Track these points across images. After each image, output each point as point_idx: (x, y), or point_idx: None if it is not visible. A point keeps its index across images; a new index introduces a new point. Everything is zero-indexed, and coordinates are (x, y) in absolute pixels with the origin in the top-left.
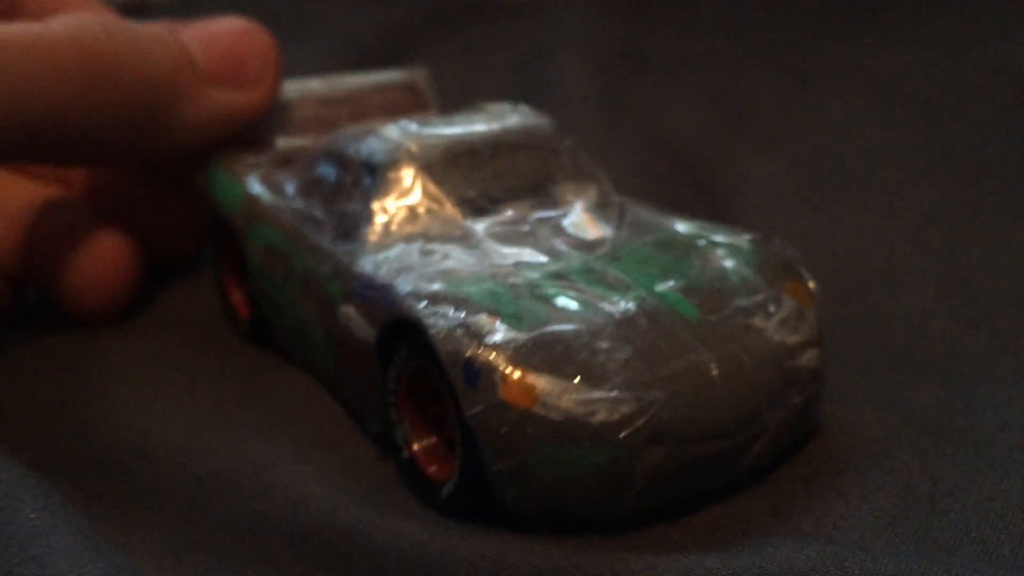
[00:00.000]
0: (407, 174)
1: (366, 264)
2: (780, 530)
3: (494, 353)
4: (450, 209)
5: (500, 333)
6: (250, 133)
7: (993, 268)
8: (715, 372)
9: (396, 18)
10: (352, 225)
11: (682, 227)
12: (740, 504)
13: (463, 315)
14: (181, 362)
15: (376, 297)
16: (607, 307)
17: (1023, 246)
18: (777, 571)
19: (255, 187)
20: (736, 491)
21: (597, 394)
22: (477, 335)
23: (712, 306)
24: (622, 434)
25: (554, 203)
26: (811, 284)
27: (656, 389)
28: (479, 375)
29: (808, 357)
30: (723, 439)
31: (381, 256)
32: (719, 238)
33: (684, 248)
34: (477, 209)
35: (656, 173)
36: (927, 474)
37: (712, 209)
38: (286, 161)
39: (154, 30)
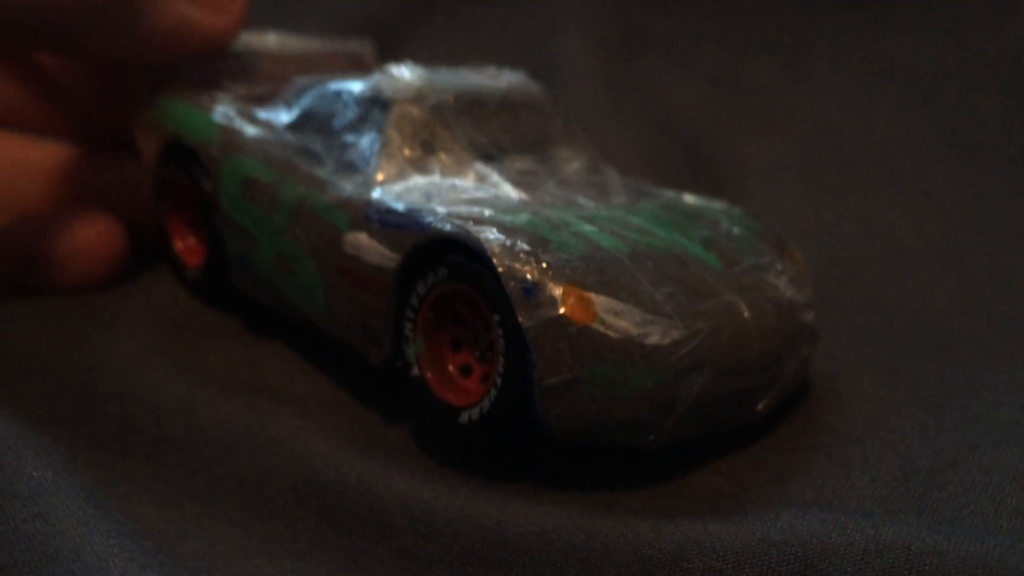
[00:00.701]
0: (421, 111)
1: (382, 194)
2: (782, 498)
3: (552, 270)
4: (461, 151)
5: (552, 254)
6: (202, 72)
7: (992, 250)
8: (747, 314)
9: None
10: (358, 157)
11: (675, 195)
12: (742, 473)
13: (513, 237)
14: (184, 320)
15: (402, 222)
16: (641, 248)
17: (1018, 225)
18: (780, 537)
19: (233, 119)
20: (738, 460)
21: (652, 317)
22: (533, 253)
23: (730, 259)
24: (672, 358)
25: (553, 163)
26: (799, 255)
27: (701, 320)
28: (538, 290)
29: (811, 316)
30: (752, 376)
31: (398, 187)
32: (716, 206)
33: (688, 211)
34: (486, 156)
35: (658, 152)
36: (927, 447)
37: (713, 188)
38: (259, 99)
39: None
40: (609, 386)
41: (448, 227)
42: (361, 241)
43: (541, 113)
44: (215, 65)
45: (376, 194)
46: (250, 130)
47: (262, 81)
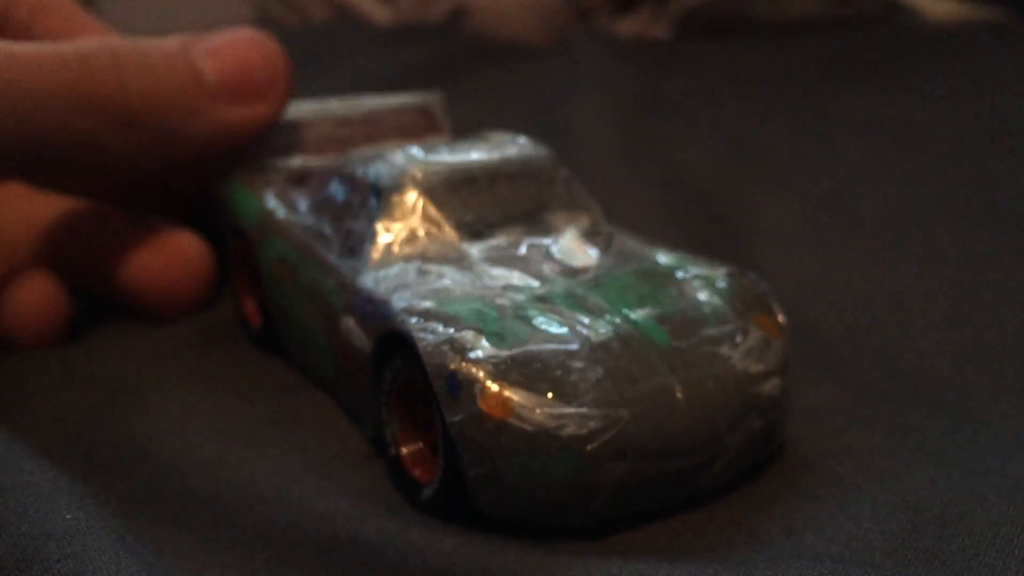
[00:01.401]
0: (410, 197)
1: (367, 280)
2: (793, 548)
3: (475, 367)
4: (448, 232)
5: (482, 349)
6: (265, 149)
7: (1001, 309)
8: (679, 395)
9: (418, 59)
10: (357, 243)
11: (664, 258)
12: (753, 523)
13: (451, 331)
14: (214, 376)
15: (374, 311)
16: (584, 330)
17: None
18: None
19: (271, 202)
20: (750, 510)
21: (567, 409)
22: (461, 350)
23: (683, 333)
24: (588, 447)
25: (546, 230)
26: (780, 318)
27: (622, 408)
28: (461, 387)
29: (770, 385)
30: (683, 457)
31: (381, 273)
32: (696, 270)
33: (663, 278)
34: (474, 233)
35: (671, 211)
36: (937, 500)
37: (725, 247)
38: (301, 178)
39: (164, 48)
40: (530, 475)
41: (399, 320)
42: (350, 325)
43: (539, 179)
44: (281, 137)
45: (362, 281)
46: (282, 213)
47: (331, 147)
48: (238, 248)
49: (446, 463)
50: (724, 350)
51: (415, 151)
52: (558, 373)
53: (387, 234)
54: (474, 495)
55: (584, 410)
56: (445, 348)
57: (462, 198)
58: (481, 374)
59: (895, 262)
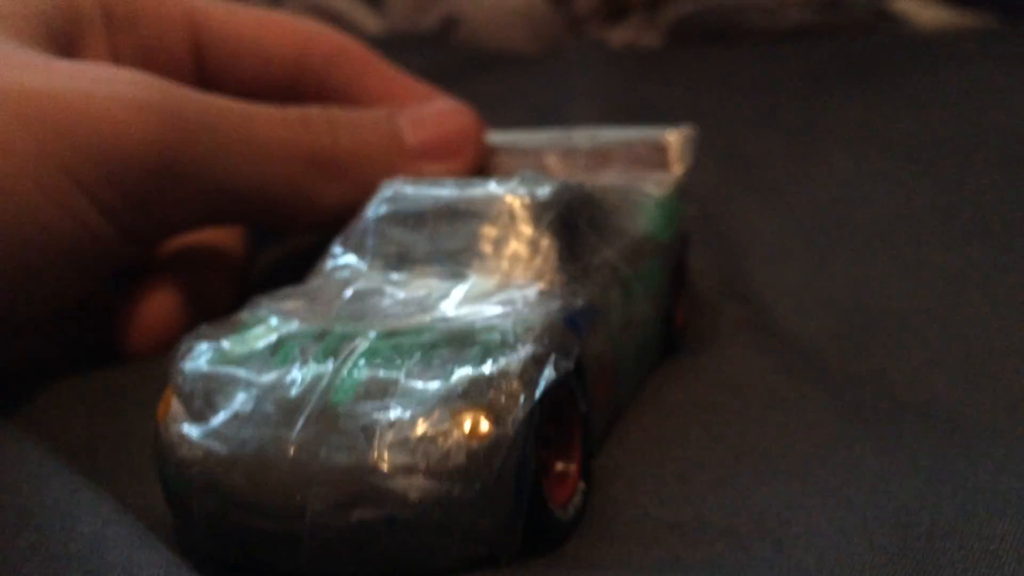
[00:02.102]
0: (373, 223)
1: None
2: (783, 564)
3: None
4: (377, 260)
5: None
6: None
7: (994, 323)
8: (290, 454)
9: (410, 69)
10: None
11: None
12: (743, 538)
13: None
14: None
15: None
16: (293, 371)
17: (1019, 297)
18: None
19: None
20: (740, 523)
21: (207, 437)
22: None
23: (372, 400)
24: (191, 471)
25: (458, 277)
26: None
27: (233, 444)
28: None
29: (408, 483)
30: (271, 519)
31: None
32: (491, 337)
33: (460, 346)
34: (391, 266)
35: None
36: (927, 515)
37: (718, 259)
38: None
39: (372, 115)
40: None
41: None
42: None
43: (495, 226)
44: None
45: None
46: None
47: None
48: None
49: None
50: (381, 429)
51: (407, 184)
52: (218, 399)
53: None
54: None
55: (216, 440)
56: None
57: (403, 230)
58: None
59: (886, 275)
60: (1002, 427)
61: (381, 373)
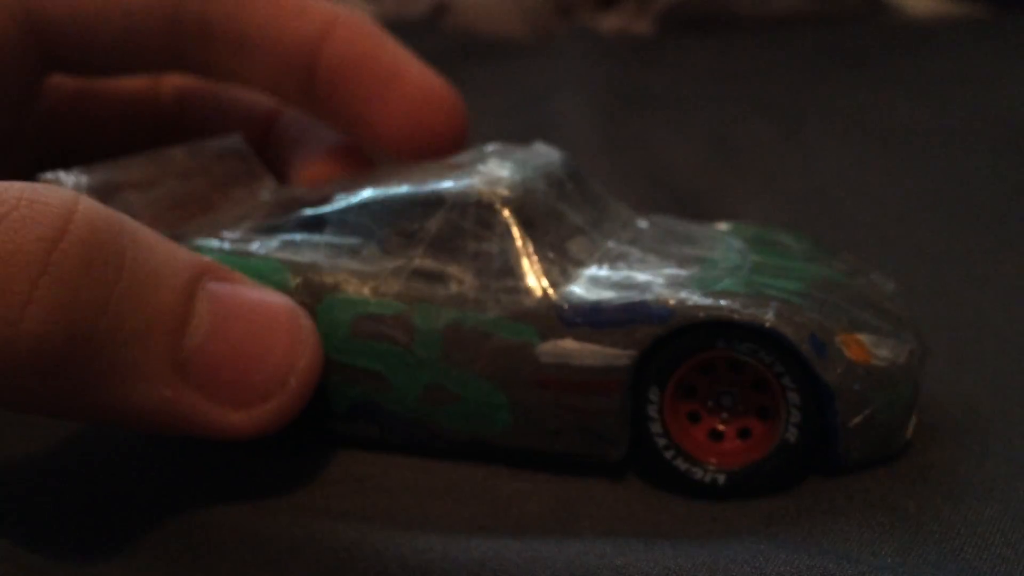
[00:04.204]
0: (530, 207)
1: (570, 296)
2: (772, 540)
3: (820, 323)
4: (581, 234)
5: (802, 311)
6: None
7: (982, 305)
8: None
9: None
10: (502, 267)
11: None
12: (733, 516)
13: (752, 304)
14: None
15: (624, 317)
16: (806, 282)
17: (1011, 283)
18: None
19: (299, 255)
20: (729, 504)
21: (891, 341)
22: (793, 313)
23: (845, 271)
24: (914, 369)
25: (620, 221)
26: None
27: (906, 328)
28: (825, 344)
29: None
30: None
31: (575, 287)
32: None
33: (757, 237)
34: (598, 231)
35: (653, 209)
36: (913, 498)
37: None
38: (266, 224)
39: (170, 263)
40: (891, 410)
41: (707, 307)
42: (567, 347)
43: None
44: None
45: (565, 298)
46: (326, 263)
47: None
48: None
49: (802, 429)
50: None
51: (488, 160)
52: (854, 313)
53: (532, 249)
54: (845, 447)
55: (897, 338)
56: (785, 315)
57: (564, 201)
58: (832, 327)
59: (875, 261)
60: (986, 411)
61: (801, 256)
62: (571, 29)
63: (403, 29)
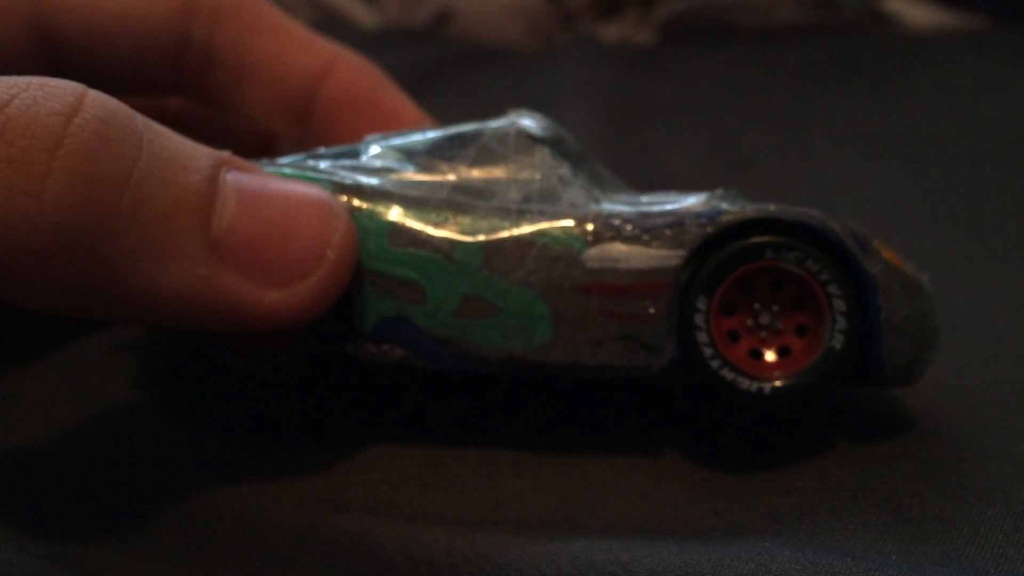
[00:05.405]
0: (568, 147)
1: (612, 208)
2: (775, 538)
3: (856, 226)
4: (605, 184)
5: (835, 216)
6: None
7: (983, 310)
8: None
9: (403, 63)
10: (543, 189)
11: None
12: (736, 512)
13: (792, 210)
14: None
15: (673, 220)
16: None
17: (1007, 290)
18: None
19: (337, 175)
20: (732, 501)
21: (911, 264)
22: (832, 217)
23: None
24: (928, 291)
25: (620, 187)
26: None
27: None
28: (866, 242)
29: None
30: None
31: (616, 200)
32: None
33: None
34: (612, 187)
35: None
36: (916, 498)
37: None
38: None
39: (191, 152)
40: (923, 320)
41: (754, 210)
42: (615, 251)
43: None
44: None
45: (609, 209)
46: (365, 178)
47: None
48: None
49: (847, 334)
50: None
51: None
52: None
53: (573, 176)
54: (887, 348)
55: (912, 264)
56: (824, 218)
57: (571, 158)
58: (867, 233)
59: None
60: (986, 417)
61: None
62: (573, 38)
63: (406, 37)
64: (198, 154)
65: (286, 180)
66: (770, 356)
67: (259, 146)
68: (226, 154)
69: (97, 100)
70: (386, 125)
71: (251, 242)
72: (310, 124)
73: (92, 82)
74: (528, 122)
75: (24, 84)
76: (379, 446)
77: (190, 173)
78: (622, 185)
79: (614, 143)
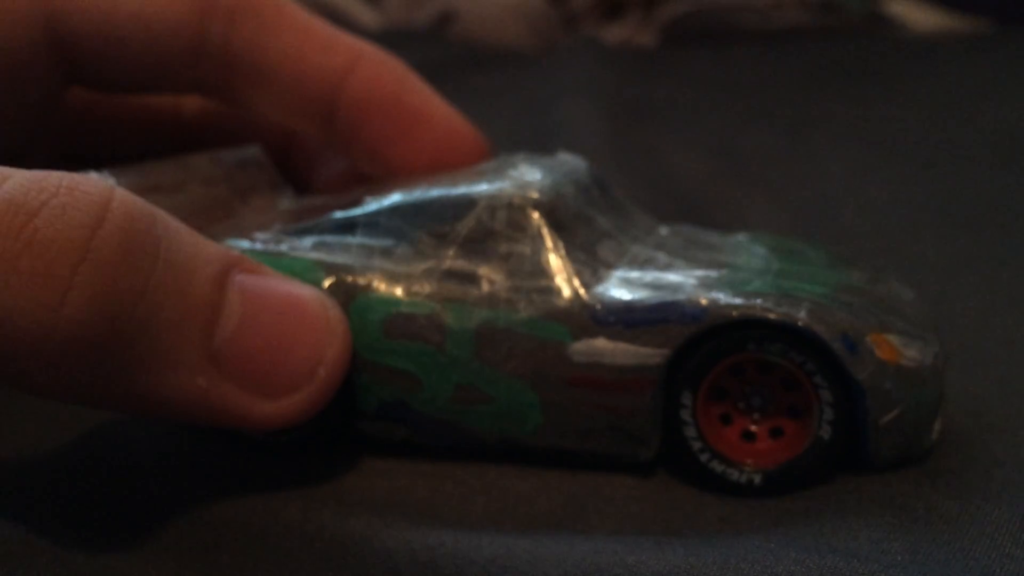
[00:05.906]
0: (560, 210)
1: (602, 296)
2: (780, 541)
3: (851, 322)
4: (609, 237)
5: (832, 310)
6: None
7: (987, 313)
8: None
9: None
10: (533, 268)
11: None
12: (743, 515)
13: (785, 304)
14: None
15: (656, 316)
16: (829, 286)
17: (1012, 292)
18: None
19: (331, 256)
20: (738, 505)
21: (918, 343)
22: (825, 313)
23: (859, 276)
24: (940, 371)
25: (642, 227)
26: None
27: (929, 332)
28: (856, 343)
29: None
30: None
31: (608, 287)
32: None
33: (777, 246)
34: (624, 234)
35: (658, 216)
36: (922, 501)
37: None
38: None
39: (203, 252)
40: (918, 410)
41: (741, 306)
42: (600, 346)
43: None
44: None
45: (597, 298)
46: (358, 263)
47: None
48: None
49: (834, 426)
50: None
51: (518, 166)
52: (880, 315)
53: (565, 251)
54: (874, 445)
55: (922, 339)
56: (817, 314)
57: (591, 205)
58: (862, 327)
59: (879, 269)
60: (995, 421)
61: (816, 263)
62: (576, 39)
63: (409, 38)
64: (210, 258)
65: (290, 282)
66: (761, 439)
67: (279, 142)
68: (236, 255)
69: (122, 207)
70: (412, 125)
71: (250, 355)
72: (334, 125)
73: (109, 83)
74: (532, 174)
75: (54, 187)
76: (385, 449)
77: (200, 282)
78: (647, 223)
79: (617, 145)
